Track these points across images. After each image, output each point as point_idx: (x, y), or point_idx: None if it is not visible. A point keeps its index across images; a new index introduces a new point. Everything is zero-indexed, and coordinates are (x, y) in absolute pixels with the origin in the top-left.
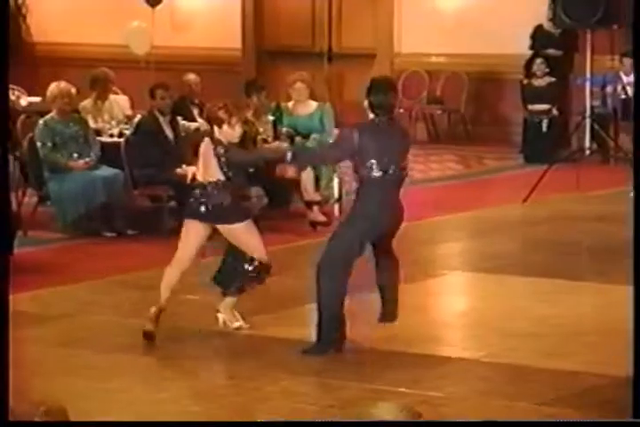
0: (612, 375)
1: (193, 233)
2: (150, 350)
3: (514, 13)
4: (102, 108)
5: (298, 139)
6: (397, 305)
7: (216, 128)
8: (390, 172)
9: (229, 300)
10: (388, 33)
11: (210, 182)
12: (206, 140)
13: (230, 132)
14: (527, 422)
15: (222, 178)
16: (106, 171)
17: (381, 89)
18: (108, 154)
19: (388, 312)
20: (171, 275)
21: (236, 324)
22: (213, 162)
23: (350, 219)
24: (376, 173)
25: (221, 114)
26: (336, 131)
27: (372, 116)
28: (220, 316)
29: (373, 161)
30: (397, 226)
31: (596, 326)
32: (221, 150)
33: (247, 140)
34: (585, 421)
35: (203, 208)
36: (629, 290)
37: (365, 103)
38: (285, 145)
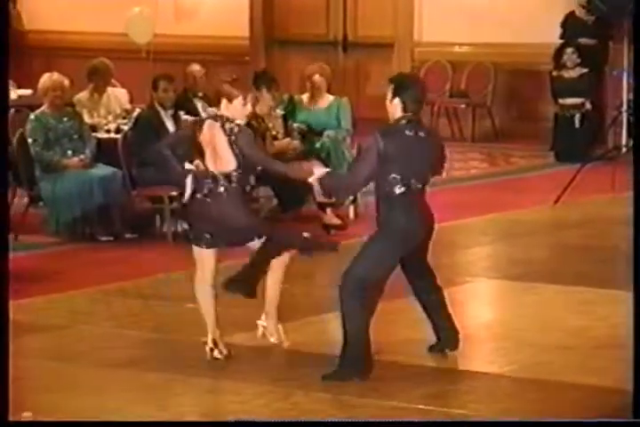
0: None
1: (206, 255)
2: (151, 365)
3: (541, 0)
4: (99, 101)
5: (310, 136)
6: (458, 331)
7: (224, 103)
8: (414, 187)
9: (272, 308)
10: (408, 20)
11: (223, 174)
12: (208, 122)
13: (240, 109)
14: (527, 423)
15: (237, 169)
16: (102, 169)
17: (412, 87)
18: (105, 151)
19: (449, 341)
20: (205, 297)
21: (273, 339)
22: (225, 146)
23: (375, 237)
24: (398, 190)
25: (233, 88)
26: (350, 128)
27: (397, 116)
28: (261, 325)
29: (397, 175)
30: (429, 238)
31: (631, 338)
32: (235, 128)
33: (255, 135)
34: (585, 421)
35: (207, 235)
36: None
37: (391, 103)
38: (296, 142)
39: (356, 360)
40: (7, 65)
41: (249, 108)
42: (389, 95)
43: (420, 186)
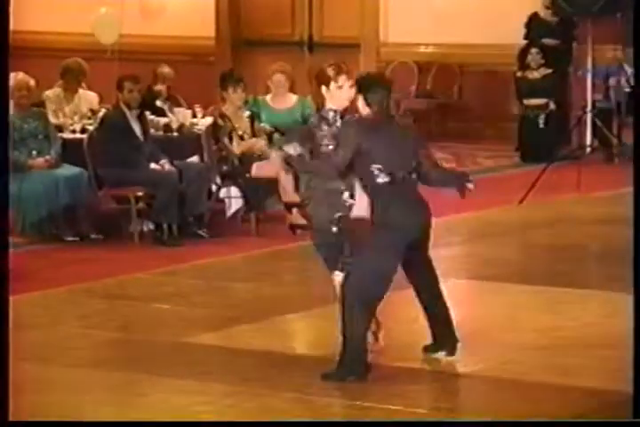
0: (618, 391)
1: None
2: (118, 365)
3: (507, 1)
4: (70, 100)
5: (277, 136)
6: (456, 336)
7: (323, 90)
8: (400, 176)
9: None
10: (373, 21)
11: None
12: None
13: (338, 95)
14: (527, 422)
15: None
16: (68, 170)
17: (375, 86)
18: (71, 151)
19: (446, 344)
20: None
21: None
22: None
23: (372, 235)
24: (382, 180)
25: (330, 71)
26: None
27: (365, 113)
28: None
29: (376, 166)
30: (426, 234)
31: (602, 337)
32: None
33: (222, 136)
34: (585, 421)
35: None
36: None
37: (359, 102)
38: (263, 142)
39: (354, 361)
40: (7, 65)
41: (348, 91)
42: (361, 101)
43: (405, 175)
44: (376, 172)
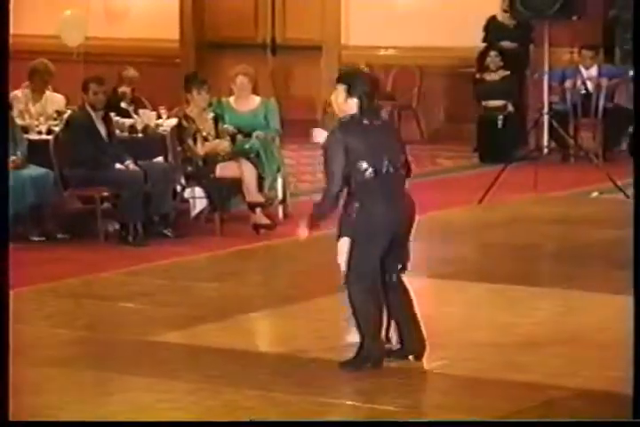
0: (573, 387)
1: None
2: (83, 364)
3: (467, 4)
4: (38, 101)
5: (240, 137)
6: (424, 338)
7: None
8: (385, 171)
9: None
10: (335, 24)
11: None
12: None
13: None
14: (527, 422)
15: None
16: (34, 170)
17: (364, 83)
18: (37, 152)
19: (414, 347)
20: None
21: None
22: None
23: (356, 231)
24: (369, 175)
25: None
26: (279, 128)
27: (353, 112)
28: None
29: (364, 162)
30: (410, 225)
31: (557, 334)
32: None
33: (186, 137)
34: (585, 421)
35: None
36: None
37: (345, 102)
38: (226, 143)
39: (370, 350)
40: (7, 67)
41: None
42: (342, 95)
43: (390, 171)
44: (362, 169)
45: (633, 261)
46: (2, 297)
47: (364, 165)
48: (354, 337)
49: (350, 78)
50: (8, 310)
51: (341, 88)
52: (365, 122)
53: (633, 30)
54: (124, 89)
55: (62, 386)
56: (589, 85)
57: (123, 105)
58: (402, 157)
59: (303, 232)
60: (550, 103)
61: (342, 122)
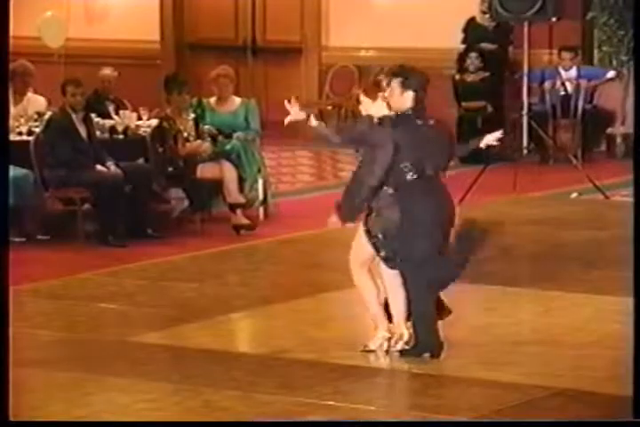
0: (550, 387)
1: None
2: (63, 365)
3: (447, 6)
4: (17, 102)
5: (220, 138)
6: (439, 336)
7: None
8: (427, 174)
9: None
10: (315, 25)
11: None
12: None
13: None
14: (528, 422)
15: None
16: (14, 171)
17: (419, 77)
18: (17, 153)
19: (434, 348)
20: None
21: (398, 346)
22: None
23: (405, 231)
24: (410, 177)
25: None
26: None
27: (406, 107)
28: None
29: (408, 164)
30: (450, 225)
31: (534, 334)
32: None
33: (167, 138)
34: (585, 421)
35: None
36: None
37: (401, 96)
38: (207, 144)
39: (427, 340)
40: (7, 68)
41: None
42: (398, 89)
43: (432, 173)
44: (405, 169)
45: (633, 261)
46: (2, 297)
47: (408, 166)
48: (334, 337)
49: (406, 72)
50: (8, 311)
51: (396, 82)
52: (418, 122)
53: (633, 30)
54: (103, 89)
55: (42, 387)
56: (568, 87)
57: (107, 103)
58: (447, 160)
59: (336, 222)
60: (529, 104)
61: (394, 118)
